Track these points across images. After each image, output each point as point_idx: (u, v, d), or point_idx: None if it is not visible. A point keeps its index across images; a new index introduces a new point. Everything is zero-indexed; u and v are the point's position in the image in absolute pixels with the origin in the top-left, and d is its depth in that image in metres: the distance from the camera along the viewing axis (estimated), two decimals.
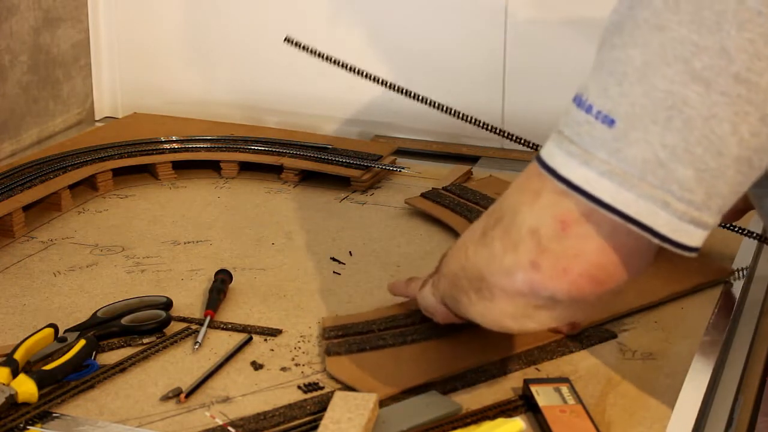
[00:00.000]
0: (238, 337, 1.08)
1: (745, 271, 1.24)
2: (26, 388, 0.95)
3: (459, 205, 1.39)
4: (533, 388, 0.96)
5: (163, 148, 1.56)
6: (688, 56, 0.69)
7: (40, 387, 0.95)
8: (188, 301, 1.16)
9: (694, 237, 0.73)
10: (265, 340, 1.08)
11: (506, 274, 0.79)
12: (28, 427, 0.93)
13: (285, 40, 1.13)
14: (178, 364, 1.04)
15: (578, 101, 0.75)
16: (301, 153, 1.56)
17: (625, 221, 0.73)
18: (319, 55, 1.12)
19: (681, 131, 0.70)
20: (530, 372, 1.02)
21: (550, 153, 0.76)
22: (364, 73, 1.11)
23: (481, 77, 1.68)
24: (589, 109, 0.73)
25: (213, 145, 1.59)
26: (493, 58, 1.66)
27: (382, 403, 0.94)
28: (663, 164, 0.71)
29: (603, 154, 0.72)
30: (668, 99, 0.70)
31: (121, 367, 1.02)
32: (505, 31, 1.64)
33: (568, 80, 1.61)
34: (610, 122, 0.72)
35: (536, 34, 1.63)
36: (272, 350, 1.06)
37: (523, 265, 0.78)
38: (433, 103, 1.12)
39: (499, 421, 0.91)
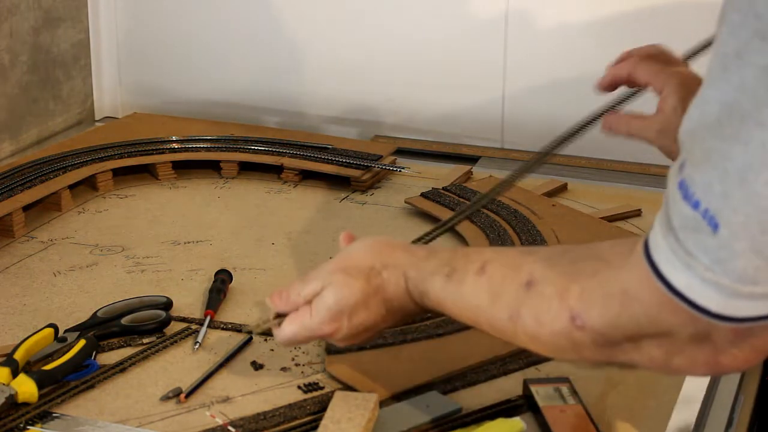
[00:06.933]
0: (238, 337, 1.08)
1: None
2: (26, 388, 0.95)
3: (459, 205, 1.39)
4: (533, 388, 0.96)
5: (163, 148, 1.56)
6: None
7: (40, 387, 0.95)
8: (188, 301, 1.16)
9: None
10: (265, 340, 1.08)
11: (678, 372, 0.74)
12: (28, 427, 0.93)
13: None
14: (178, 364, 1.04)
15: (684, 192, 0.66)
16: (301, 153, 1.56)
17: (737, 324, 0.66)
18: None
19: None
20: (530, 372, 1.02)
21: (656, 244, 0.68)
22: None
23: (482, 77, 1.68)
24: (696, 205, 0.65)
25: (213, 145, 1.59)
26: (494, 58, 1.66)
27: (382, 403, 0.94)
28: None
29: (706, 260, 0.64)
30: None
31: (121, 367, 1.02)
32: (506, 30, 1.64)
33: (567, 81, 1.63)
34: (715, 226, 0.64)
35: (537, 34, 1.63)
36: (272, 350, 1.06)
37: (705, 363, 0.71)
38: None
39: (499, 421, 0.91)
